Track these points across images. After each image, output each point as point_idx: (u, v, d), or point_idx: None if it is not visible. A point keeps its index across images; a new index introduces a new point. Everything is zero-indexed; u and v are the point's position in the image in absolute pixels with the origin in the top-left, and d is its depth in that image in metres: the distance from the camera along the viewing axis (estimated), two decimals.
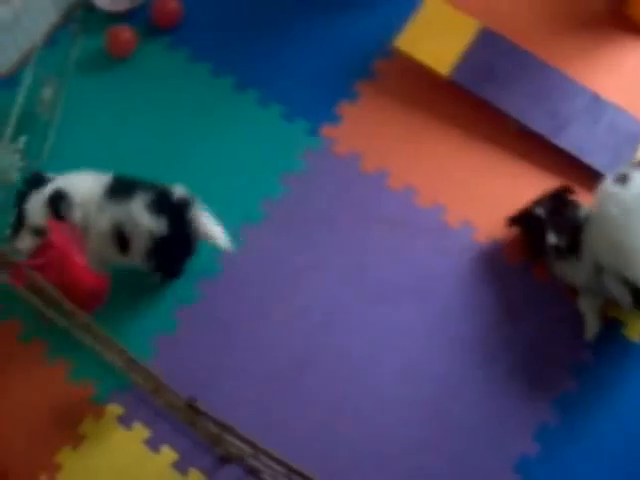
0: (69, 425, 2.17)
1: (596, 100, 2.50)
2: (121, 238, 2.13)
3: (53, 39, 2.76)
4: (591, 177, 2.33)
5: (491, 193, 2.44)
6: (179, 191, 2.14)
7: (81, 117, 2.65)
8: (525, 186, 2.41)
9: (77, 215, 2.10)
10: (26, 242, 2.08)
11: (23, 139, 2.39)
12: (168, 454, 2.11)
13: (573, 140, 2.44)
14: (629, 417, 2.11)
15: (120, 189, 2.14)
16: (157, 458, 2.11)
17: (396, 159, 2.50)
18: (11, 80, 2.59)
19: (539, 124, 2.46)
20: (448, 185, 2.45)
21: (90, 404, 2.19)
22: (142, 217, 2.08)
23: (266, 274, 2.35)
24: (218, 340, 2.26)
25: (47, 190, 2.11)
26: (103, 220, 2.12)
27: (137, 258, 2.17)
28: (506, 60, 2.56)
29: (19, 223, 2.11)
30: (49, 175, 2.19)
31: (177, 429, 2.13)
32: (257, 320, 2.29)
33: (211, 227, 2.20)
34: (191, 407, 1.50)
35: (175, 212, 2.12)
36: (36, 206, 2.08)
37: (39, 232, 2.06)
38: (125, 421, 2.16)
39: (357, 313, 2.28)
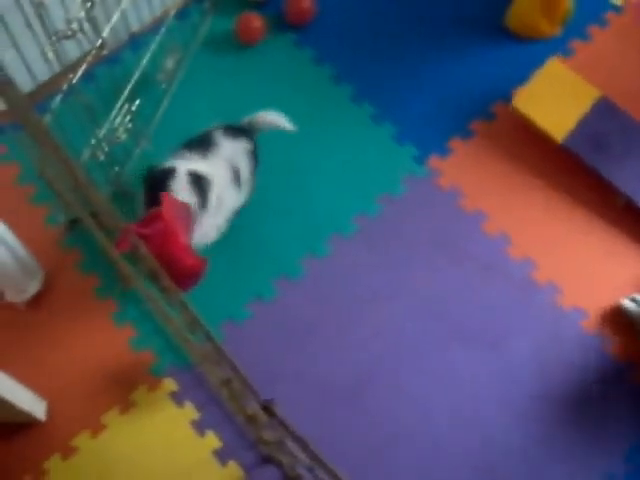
0: (122, 389, 2.19)
1: None
2: None
3: (185, 12, 2.80)
4: None
5: (583, 260, 2.40)
6: None
7: (196, 93, 2.67)
8: (619, 263, 2.39)
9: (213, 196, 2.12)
10: None
11: (138, 102, 2.41)
12: (212, 440, 2.12)
13: None
14: None
15: None
16: (201, 442, 2.12)
17: (496, 205, 2.47)
18: (138, 43, 2.62)
19: None
20: (542, 244, 2.42)
21: (147, 374, 2.21)
22: None
23: (346, 287, 2.34)
24: (284, 341, 2.26)
25: (182, 172, 2.08)
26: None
27: None
28: (621, 133, 2.52)
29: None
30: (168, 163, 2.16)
31: (226, 418, 2.13)
32: (327, 331, 2.28)
33: (271, 115, 2.31)
34: (266, 409, 1.49)
35: None
36: (178, 188, 2.05)
37: None
38: (177, 398, 2.17)
39: (425, 349, 2.26)
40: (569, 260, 2.40)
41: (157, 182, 2.06)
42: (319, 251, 2.37)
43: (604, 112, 2.54)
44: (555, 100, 2.53)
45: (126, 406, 2.17)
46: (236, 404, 1.79)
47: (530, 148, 2.56)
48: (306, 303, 2.32)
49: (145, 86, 2.52)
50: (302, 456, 1.57)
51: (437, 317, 2.30)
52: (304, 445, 1.43)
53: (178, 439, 2.13)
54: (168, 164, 2.11)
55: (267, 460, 2.06)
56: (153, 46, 2.55)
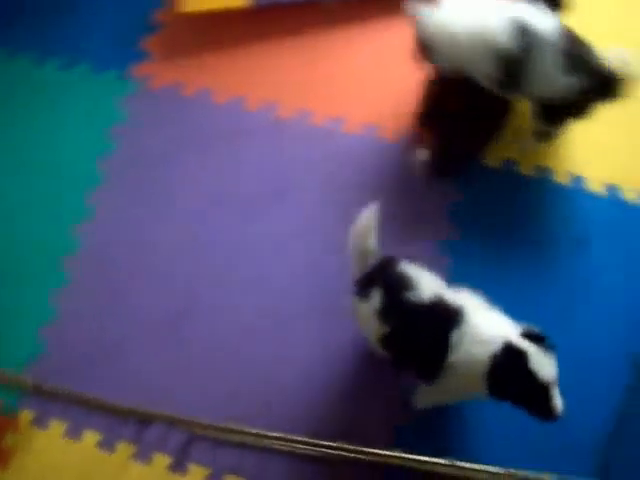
0: None
1: None
2: None
3: None
4: None
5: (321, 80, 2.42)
6: None
7: None
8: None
9: None
10: None
11: None
12: (91, 437, 2.10)
13: None
14: None
15: None
16: (81, 444, 2.10)
17: (216, 78, 2.45)
18: None
19: None
20: (280, 85, 2.43)
21: (3, 419, 2.16)
22: None
23: (131, 229, 2.30)
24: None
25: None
26: None
27: None
28: None
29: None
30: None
31: (91, 412, 2.11)
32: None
33: None
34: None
35: None
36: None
37: None
38: (41, 422, 2.14)
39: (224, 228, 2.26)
40: (310, 88, 2.41)
41: None
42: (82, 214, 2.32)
43: None
44: None
45: (5, 458, 2.13)
46: None
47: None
48: (96, 272, 2.27)
49: None
50: None
51: (225, 200, 2.29)
52: None
53: (62, 454, 2.10)
54: None
55: (145, 422, 2.07)
56: None
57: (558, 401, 1.49)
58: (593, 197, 2.20)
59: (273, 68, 2.43)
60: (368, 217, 1.69)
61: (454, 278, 1.78)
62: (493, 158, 2.25)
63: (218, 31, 2.49)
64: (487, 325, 1.60)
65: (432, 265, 1.78)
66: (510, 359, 1.52)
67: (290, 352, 2.07)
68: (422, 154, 2.15)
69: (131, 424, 2.08)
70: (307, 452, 1.91)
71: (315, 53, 2.45)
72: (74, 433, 2.11)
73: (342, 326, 2.06)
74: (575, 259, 2.12)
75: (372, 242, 1.72)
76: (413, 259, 1.75)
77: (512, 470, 1.30)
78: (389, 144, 2.30)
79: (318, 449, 1.88)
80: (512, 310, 1.67)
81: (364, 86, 2.39)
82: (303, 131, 2.33)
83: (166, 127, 2.39)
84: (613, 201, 2.20)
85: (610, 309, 2.07)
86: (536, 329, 1.57)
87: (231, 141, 2.34)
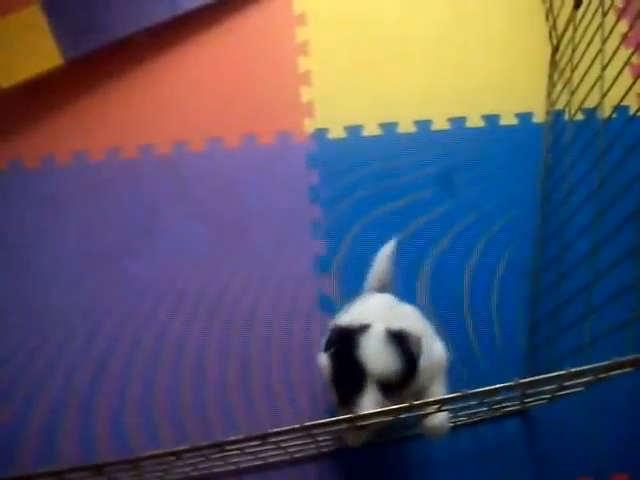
0: None
1: None
2: None
3: None
4: None
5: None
6: None
7: None
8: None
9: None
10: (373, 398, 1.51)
11: None
12: None
13: None
14: None
15: None
16: None
17: (56, 136, 2.42)
18: None
19: (159, 15, 2.45)
20: (119, 127, 2.42)
21: None
22: None
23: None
24: None
25: (378, 329, 1.55)
26: None
27: None
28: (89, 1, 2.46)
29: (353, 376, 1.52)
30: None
31: None
32: None
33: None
34: None
35: None
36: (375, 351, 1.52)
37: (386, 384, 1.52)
38: None
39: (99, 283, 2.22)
40: (145, 120, 2.42)
41: None
42: None
43: (60, 5, 2.43)
44: (20, 41, 2.40)
45: None
46: None
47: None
48: None
49: None
50: None
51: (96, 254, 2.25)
52: None
53: None
54: None
55: None
56: None
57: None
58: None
59: (105, 114, 2.43)
60: (389, 249, 1.89)
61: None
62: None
63: (41, 94, 2.47)
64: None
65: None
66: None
67: None
68: None
69: None
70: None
71: (140, 88, 2.46)
72: None
73: None
74: None
75: (389, 272, 1.87)
76: None
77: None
78: (231, 153, 2.34)
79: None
80: None
81: (202, 103, 2.43)
82: (153, 164, 2.34)
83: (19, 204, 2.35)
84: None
85: None
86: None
87: (88, 198, 2.32)
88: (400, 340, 1.52)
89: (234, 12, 2.52)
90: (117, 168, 2.33)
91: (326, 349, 1.59)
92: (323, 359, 1.63)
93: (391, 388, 1.50)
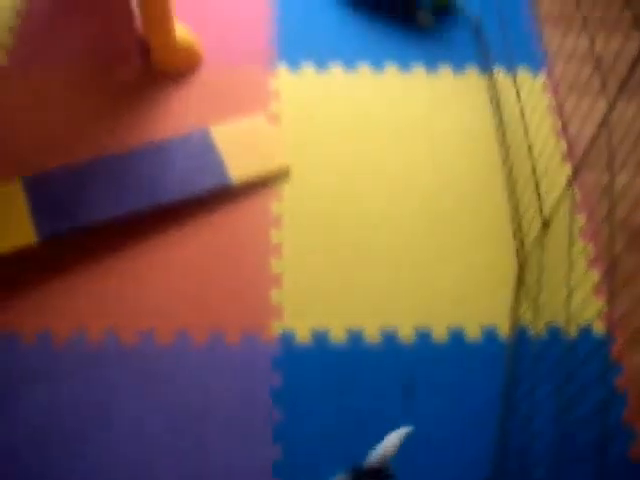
0: None
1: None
2: None
3: None
4: None
5: None
6: None
7: None
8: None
9: None
10: None
11: None
12: None
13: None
14: None
15: None
16: None
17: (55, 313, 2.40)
18: None
19: (138, 204, 2.51)
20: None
21: None
22: None
23: None
24: None
25: None
26: None
27: None
28: (73, 182, 2.56)
29: None
30: None
31: None
32: None
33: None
34: None
35: None
36: None
37: None
38: None
39: None
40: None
41: None
42: None
43: (42, 184, 2.54)
44: None
45: None
46: None
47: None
48: None
49: None
50: None
51: None
52: None
53: None
54: None
55: None
56: None
57: None
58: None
59: (73, 296, 2.43)
60: (401, 435, 1.87)
61: None
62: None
63: (7, 269, 2.45)
64: None
65: None
66: None
67: None
68: None
69: None
70: None
71: (111, 272, 2.48)
72: None
73: None
74: None
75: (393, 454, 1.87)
76: None
77: None
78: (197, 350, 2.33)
79: None
80: None
81: (173, 293, 2.45)
82: (117, 353, 2.32)
83: None
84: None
85: None
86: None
87: (45, 379, 2.27)
88: None
89: (212, 208, 2.59)
90: (80, 353, 2.31)
91: None
92: None
93: None
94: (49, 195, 2.52)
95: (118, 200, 2.52)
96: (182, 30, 2.92)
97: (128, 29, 3.04)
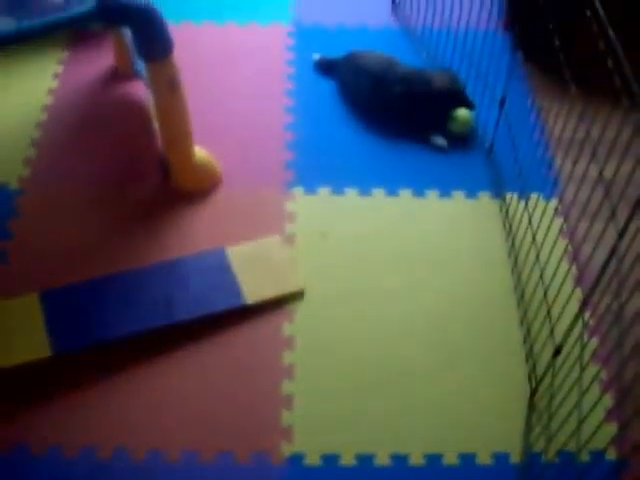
0: None
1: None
2: None
3: None
4: None
5: None
6: None
7: None
8: None
9: None
10: None
11: None
12: None
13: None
14: None
15: None
16: None
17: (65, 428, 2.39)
18: None
19: (154, 322, 2.55)
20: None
21: None
22: None
23: None
24: None
25: None
26: None
27: None
28: (89, 298, 2.61)
29: None
30: None
31: None
32: None
33: None
34: None
35: None
36: None
37: None
38: None
39: None
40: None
41: None
42: None
43: (57, 300, 2.59)
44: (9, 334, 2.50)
45: None
46: None
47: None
48: None
49: None
50: None
51: None
52: None
53: None
54: None
55: None
56: None
57: None
58: None
59: (84, 411, 2.43)
60: None
61: None
62: None
63: (20, 381, 2.47)
64: None
65: None
66: None
67: None
68: None
69: None
70: None
71: (123, 389, 2.48)
72: None
73: None
74: None
75: None
76: None
77: None
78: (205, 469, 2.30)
79: None
80: None
81: (183, 412, 2.44)
82: (125, 469, 2.30)
83: None
84: None
85: None
86: None
87: None
88: None
89: (226, 327, 2.62)
90: (89, 467, 2.29)
91: None
92: None
93: None
94: (65, 310, 2.57)
95: (132, 317, 2.57)
96: (201, 151, 3.03)
97: (148, 148, 3.16)
